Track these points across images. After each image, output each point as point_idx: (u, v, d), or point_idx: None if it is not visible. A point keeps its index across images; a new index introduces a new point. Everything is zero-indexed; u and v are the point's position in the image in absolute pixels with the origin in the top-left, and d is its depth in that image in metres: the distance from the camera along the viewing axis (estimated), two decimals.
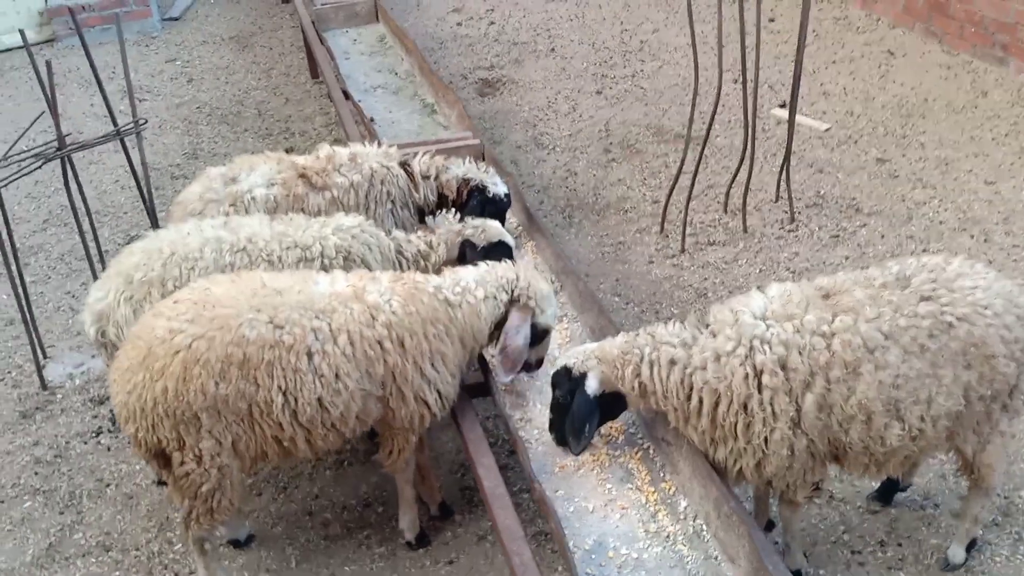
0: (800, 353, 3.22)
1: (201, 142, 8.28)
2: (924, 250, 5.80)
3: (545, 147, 7.68)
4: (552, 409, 3.69)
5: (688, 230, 6.15)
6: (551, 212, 6.66)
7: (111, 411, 5.06)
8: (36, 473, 4.70)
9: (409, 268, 4.26)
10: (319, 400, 3.45)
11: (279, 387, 3.39)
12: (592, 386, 3.54)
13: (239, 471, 3.54)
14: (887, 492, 4.09)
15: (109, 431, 4.94)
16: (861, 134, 7.37)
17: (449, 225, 4.50)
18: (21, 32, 4.93)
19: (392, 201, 4.93)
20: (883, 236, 6.02)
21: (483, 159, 5.95)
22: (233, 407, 3.38)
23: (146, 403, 3.32)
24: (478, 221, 4.45)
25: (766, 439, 3.27)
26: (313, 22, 8.55)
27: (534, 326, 3.83)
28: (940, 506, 4.07)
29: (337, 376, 3.46)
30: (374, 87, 7.59)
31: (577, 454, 3.64)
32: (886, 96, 7.95)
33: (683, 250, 6.04)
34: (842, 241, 6.03)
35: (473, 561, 4.03)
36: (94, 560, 4.19)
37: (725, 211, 6.42)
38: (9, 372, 5.45)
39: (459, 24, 10.72)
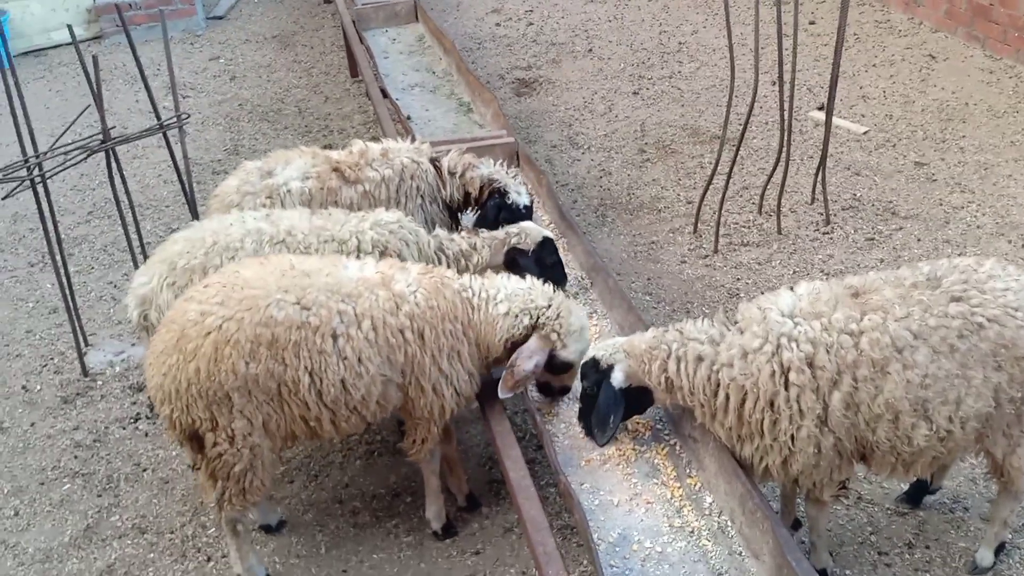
0: (828, 351, 3.22)
1: (242, 139, 8.42)
2: (960, 254, 5.74)
3: (580, 147, 7.71)
4: (580, 399, 3.73)
5: (722, 231, 6.14)
6: (584, 211, 6.68)
7: (149, 398, 5.18)
8: (76, 457, 4.83)
9: (450, 266, 4.31)
10: (342, 381, 3.53)
11: (306, 367, 3.48)
12: (618, 378, 3.56)
13: (270, 451, 3.63)
14: (916, 494, 4.06)
15: (147, 417, 5.06)
16: (899, 138, 7.30)
17: (494, 233, 4.50)
18: (69, 28, 5.07)
19: (421, 196, 4.99)
20: (919, 240, 5.96)
21: (517, 157, 6.00)
22: (263, 386, 3.47)
23: (180, 384, 3.43)
24: (516, 227, 4.45)
25: (792, 436, 3.28)
26: (354, 21, 8.66)
27: (553, 357, 3.80)
28: (969, 509, 4.03)
29: (360, 360, 3.53)
30: (412, 86, 7.68)
31: (602, 445, 3.67)
32: (926, 100, 7.86)
33: (716, 250, 6.03)
34: (877, 244, 5.98)
35: (499, 552, 4.07)
36: (130, 542, 4.30)
37: (760, 212, 6.40)
38: (52, 359, 5.60)
39: (498, 24, 10.79)
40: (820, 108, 7.74)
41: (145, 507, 4.48)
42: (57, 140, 5.16)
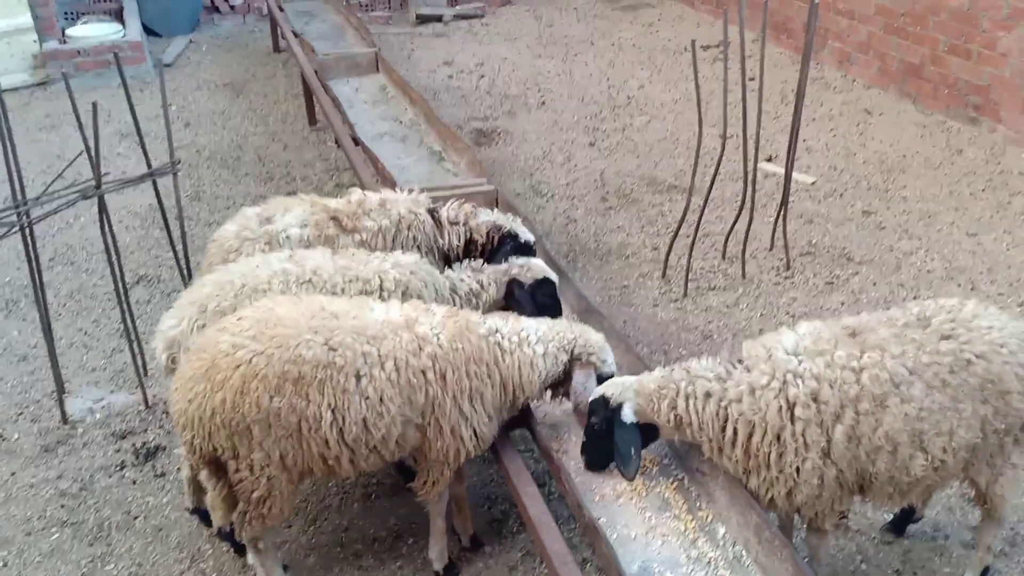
0: (831, 386, 3.45)
1: (203, 185, 8.40)
2: (915, 297, 6.13)
3: (544, 195, 7.95)
4: (585, 433, 3.87)
5: (690, 275, 6.41)
6: (555, 257, 6.86)
7: (134, 445, 5.12)
8: (62, 506, 4.72)
9: (462, 306, 4.44)
10: (364, 421, 3.62)
11: (328, 405, 3.56)
12: (628, 415, 3.72)
13: (287, 483, 3.70)
14: (900, 523, 4.31)
15: (133, 465, 4.99)
16: (846, 187, 7.75)
17: (495, 268, 4.65)
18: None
19: (418, 246, 5.08)
20: (875, 284, 6.34)
21: (497, 204, 6.18)
22: (284, 421, 3.55)
23: (204, 412, 3.50)
24: (522, 260, 4.64)
25: (798, 469, 3.48)
26: (316, 71, 8.77)
27: (599, 377, 3.98)
28: (950, 536, 4.29)
29: (381, 400, 3.63)
30: (381, 134, 7.81)
31: (630, 479, 3.79)
32: (866, 152, 8.37)
33: (686, 294, 6.30)
34: (836, 288, 6.33)
35: None
36: None
37: (724, 258, 6.71)
38: (27, 407, 5.47)
39: (450, 76, 11.04)
40: (768, 159, 8.18)
41: (140, 555, 4.42)
42: (49, 186, 5.12)
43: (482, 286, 4.55)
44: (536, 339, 3.93)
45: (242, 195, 8.15)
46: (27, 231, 5.04)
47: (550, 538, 3.51)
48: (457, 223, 5.13)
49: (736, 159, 7.42)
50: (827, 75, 10.23)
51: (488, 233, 5.08)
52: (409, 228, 5.03)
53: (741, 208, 6.45)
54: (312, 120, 9.65)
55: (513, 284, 4.54)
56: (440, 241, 5.15)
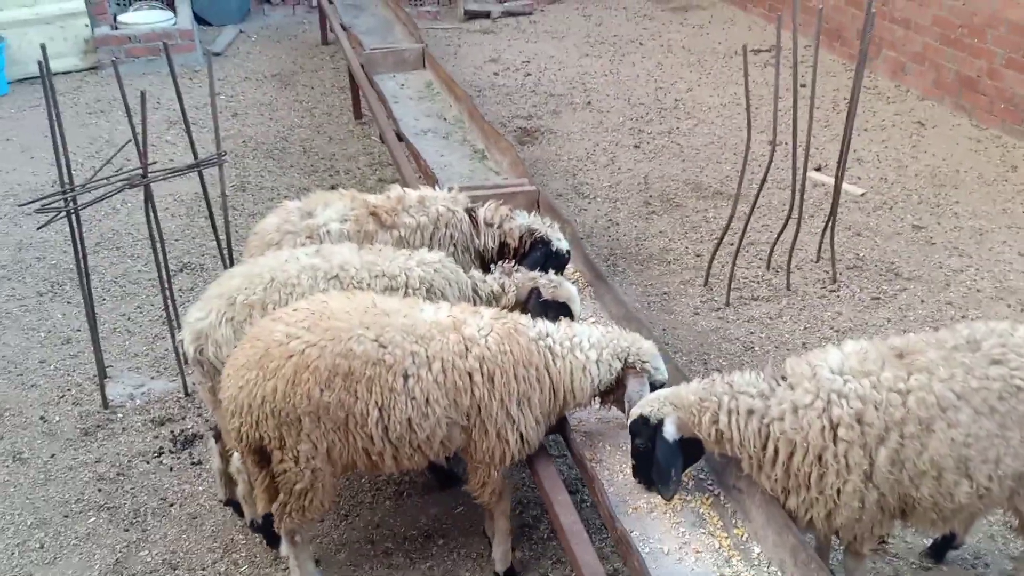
0: (876, 408, 3.37)
1: (248, 175, 8.47)
2: (963, 317, 5.98)
3: (586, 196, 7.89)
4: (633, 456, 3.81)
5: (732, 284, 6.32)
6: (595, 260, 6.82)
7: (172, 433, 5.17)
8: (99, 490, 4.79)
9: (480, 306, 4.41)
10: (409, 420, 3.63)
11: (376, 402, 3.59)
12: (670, 431, 3.66)
13: (330, 476, 3.73)
14: (940, 549, 4.20)
15: (171, 452, 5.04)
16: (896, 200, 7.59)
17: (524, 274, 4.60)
18: (40, 64, 4.82)
19: (454, 244, 5.08)
20: (923, 301, 6.20)
21: (538, 205, 6.14)
22: (332, 415, 3.58)
23: (255, 400, 3.54)
24: (555, 278, 4.55)
25: (839, 491, 3.40)
26: (362, 65, 8.80)
27: (651, 385, 3.95)
28: (990, 565, 4.18)
29: (427, 401, 3.64)
30: (424, 131, 7.81)
31: (668, 499, 3.74)
32: (918, 165, 8.19)
33: (728, 304, 6.21)
34: (883, 303, 6.20)
35: None
36: None
37: (768, 268, 6.61)
38: (69, 390, 5.55)
39: (496, 74, 11.01)
40: (817, 168, 8.03)
41: (174, 542, 4.46)
42: (96, 173, 5.18)
43: (504, 289, 4.50)
44: (589, 345, 3.90)
45: (286, 186, 8.21)
46: (74, 216, 5.11)
47: (581, 548, 3.48)
48: (492, 225, 5.11)
49: (783, 167, 7.31)
50: (880, 85, 10.03)
51: (521, 237, 5.05)
52: (447, 226, 5.02)
53: (788, 217, 6.35)
54: (357, 114, 9.68)
55: (533, 293, 4.46)
56: (476, 241, 5.14)
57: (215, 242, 5.79)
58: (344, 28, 10.00)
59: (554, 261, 5.07)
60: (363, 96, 8.82)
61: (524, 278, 4.55)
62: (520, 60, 11.39)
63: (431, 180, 6.20)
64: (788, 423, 3.44)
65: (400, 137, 7.24)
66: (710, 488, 3.93)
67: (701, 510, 3.82)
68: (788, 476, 3.48)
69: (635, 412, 3.76)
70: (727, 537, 3.67)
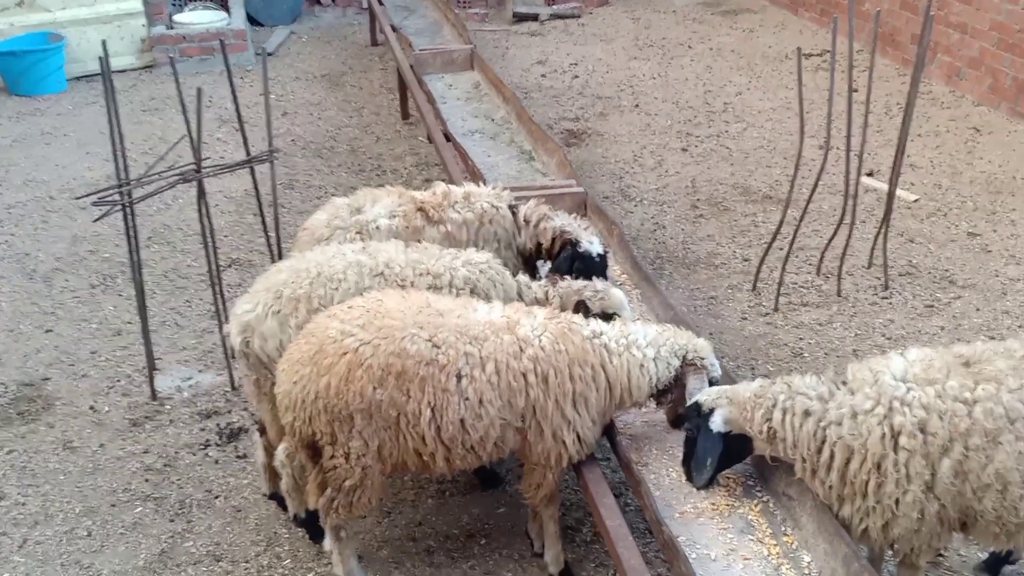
0: (940, 418, 3.27)
1: (296, 174, 8.53)
2: (1020, 327, 5.82)
3: (632, 199, 7.83)
4: (685, 443, 3.78)
5: (781, 289, 6.21)
6: (642, 263, 6.75)
7: (218, 426, 5.21)
8: (147, 480, 4.84)
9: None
10: (462, 421, 3.61)
11: (428, 402, 3.57)
12: (717, 422, 3.63)
13: (380, 474, 3.73)
14: (995, 564, 4.08)
15: (217, 444, 5.08)
16: (950, 207, 7.42)
17: (571, 283, 4.51)
18: (101, 60, 4.89)
19: (498, 241, 5.07)
20: (978, 309, 6.04)
21: (585, 207, 6.10)
22: (385, 414, 3.58)
23: (308, 395, 3.55)
24: (602, 286, 4.46)
25: (897, 501, 3.31)
26: (412, 66, 8.83)
27: (709, 382, 3.91)
28: None
29: (480, 402, 3.61)
30: (471, 132, 7.80)
31: (699, 487, 3.72)
32: (973, 171, 8.00)
33: (776, 309, 6.11)
34: (936, 311, 6.05)
35: None
36: (204, 569, 4.30)
37: (818, 273, 6.49)
38: (118, 381, 5.63)
39: (543, 76, 10.98)
40: (869, 174, 7.88)
41: (219, 534, 4.49)
42: (151, 168, 5.25)
43: (547, 297, 4.42)
44: (646, 343, 3.86)
45: (334, 185, 8.26)
46: (128, 210, 5.17)
47: (627, 553, 3.43)
48: (529, 223, 5.08)
49: (834, 171, 7.19)
50: (935, 90, 9.81)
51: (554, 238, 5.00)
52: (491, 222, 5.01)
53: (840, 222, 6.23)
54: (405, 114, 9.72)
55: (580, 307, 4.37)
56: (518, 239, 5.11)
57: (264, 238, 5.84)
58: (394, 29, 10.05)
59: (583, 264, 4.95)
60: (411, 96, 8.86)
61: (570, 288, 4.46)
62: (568, 62, 11.34)
63: (479, 180, 6.19)
64: (846, 428, 3.36)
65: (448, 137, 7.24)
66: (759, 494, 3.85)
67: (749, 516, 3.74)
68: (844, 483, 3.40)
69: (693, 399, 3.73)
70: (776, 545, 3.59)
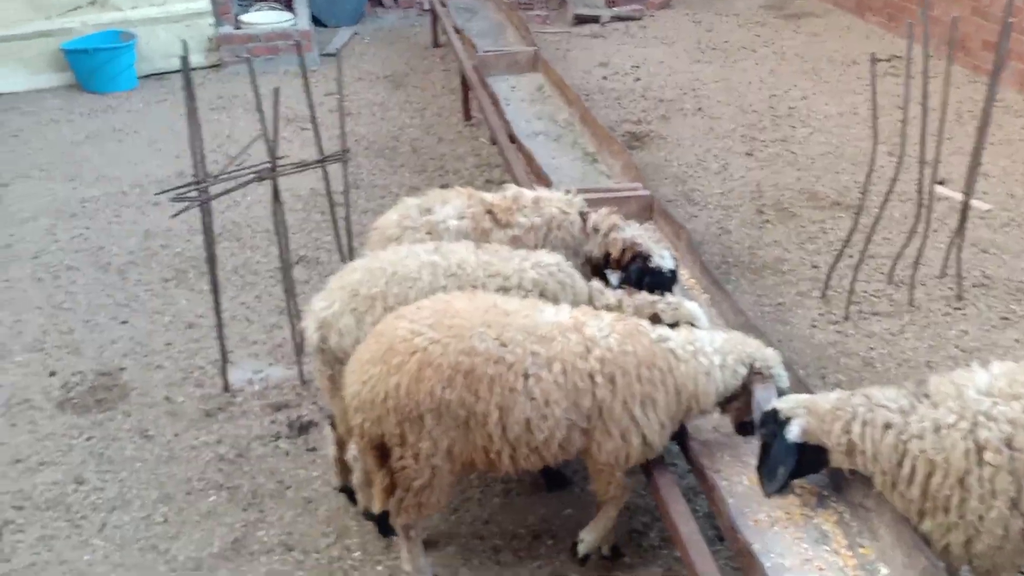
0: None
1: (360, 173, 8.63)
2: None
3: (696, 203, 7.78)
4: (760, 449, 3.76)
5: (852, 298, 6.13)
6: (709, 267, 6.70)
7: (288, 418, 5.31)
8: (220, 470, 4.95)
9: None
10: (527, 421, 3.62)
11: (496, 402, 3.59)
12: (794, 432, 3.59)
13: (449, 473, 3.75)
14: None
15: (287, 437, 5.17)
16: None
17: (645, 296, 4.46)
18: (183, 59, 5.05)
19: (566, 247, 5.05)
20: None
21: (651, 211, 6.08)
22: (453, 413, 3.60)
23: (378, 395, 3.58)
24: (674, 299, 4.41)
25: (981, 517, 3.25)
26: (475, 67, 8.88)
27: (777, 392, 3.88)
28: None
29: (547, 402, 3.62)
30: (535, 133, 7.83)
31: (768, 495, 3.69)
32: None
33: (847, 317, 6.02)
34: (1012, 324, 5.92)
35: None
36: (277, 558, 4.38)
37: (890, 282, 6.38)
38: (192, 372, 5.76)
39: (605, 78, 10.97)
40: (940, 182, 7.72)
41: (290, 525, 4.57)
42: (228, 166, 5.37)
43: (620, 306, 4.37)
44: (712, 349, 3.84)
45: (397, 185, 8.35)
46: (205, 207, 5.30)
47: (701, 560, 3.42)
48: (598, 231, 5.04)
49: (904, 179, 7.06)
50: (1008, 97, 9.58)
51: (623, 250, 4.96)
52: (559, 228, 5.00)
53: (912, 231, 6.13)
54: (467, 115, 9.78)
55: (654, 320, 4.27)
56: (586, 246, 5.10)
57: (330, 237, 5.92)
58: (457, 31, 10.13)
59: (651, 279, 4.88)
60: (474, 97, 8.92)
61: (644, 300, 4.41)
62: (629, 65, 11.31)
63: (544, 182, 6.20)
64: (928, 442, 3.31)
65: (512, 139, 7.28)
66: (834, 505, 3.81)
67: (825, 527, 3.70)
68: (925, 498, 3.35)
69: (770, 406, 3.69)
70: (852, 556, 3.54)
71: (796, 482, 3.84)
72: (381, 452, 3.77)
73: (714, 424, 4.23)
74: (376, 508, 4.01)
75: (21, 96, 10.65)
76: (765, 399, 3.81)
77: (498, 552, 4.40)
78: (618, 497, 3.99)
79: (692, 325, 4.27)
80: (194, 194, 5.19)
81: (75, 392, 5.58)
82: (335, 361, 4.14)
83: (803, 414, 3.60)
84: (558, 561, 4.32)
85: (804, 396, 3.72)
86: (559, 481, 4.77)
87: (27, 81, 10.89)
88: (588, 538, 4.16)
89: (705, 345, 3.85)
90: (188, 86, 5.04)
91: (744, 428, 4.02)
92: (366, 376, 3.63)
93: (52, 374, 5.75)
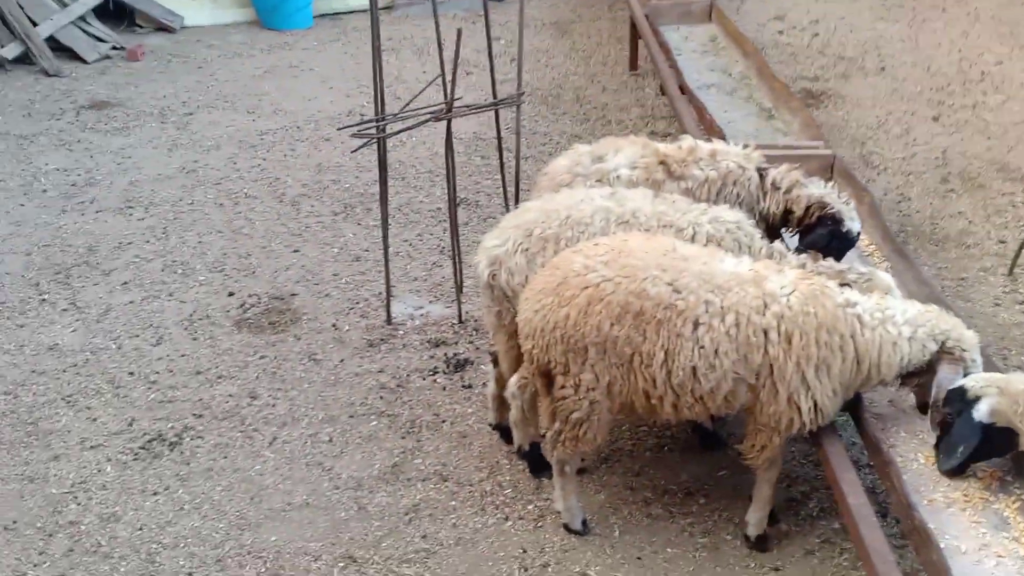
0: None
1: (523, 119, 8.56)
2: None
3: (875, 167, 7.38)
4: (940, 425, 3.58)
5: None
6: (892, 234, 6.37)
7: (446, 355, 5.44)
8: (381, 397, 5.13)
9: None
10: (694, 369, 3.57)
11: (663, 345, 3.57)
12: (982, 411, 3.40)
13: (607, 411, 3.79)
14: None
15: (444, 372, 5.30)
16: None
17: (832, 264, 4.25)
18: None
19: (740, 204, 4.87)
20: None
21: (831, 171, 5.80)
22: (619, 350, 3.62)
23: (547, 324, 3.67)
24: (866, 270, 4.19)
25: None
26: (647, 15, 8.67)
27: (964, 376, 3.65)
28: None
29: (716, 352, 3.55)
30: (707, 85, 7.59)
31: (943, 471, 3.52)
32: None
33: None
34: None
35: (800, 573, 3.98)
36: (432, 486, 4.53)
37: None
38: (358, 303, 5.98)
39: (780, 32, 10.50)
40: None
41: (445, 456, 4.71)
42: (405, 106, 5.48)
43: (804, 269, 4.13)
44: (903, 320, 3.64)
45: (559, 133, 8.31)
46: (382, 143, 5.43)
47: (870, 532, 3.29)
48: (779, 188, 4.83)
49: None
50: None
51: (809, 208, 4.72)
52: (735, 184, 4.83)
53: None
54: (633, 65, 9.59)
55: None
56: (762, 203, 4.91)
57: (490, 181, 5.96)
58: None
59: (838, 242, 4.68)
60: (644, 46, 8.72)
61: (831, 269, 4.16)
62: (807, 20, 10.77)
63: (717, 135, 6.01)
64: None
65: (683, 90, 7.08)
66: (1017, 492, 3.57)
67: (1005, 513, 3.49)
68: None
69: (958, 382, 3.50)
70: None
71: (977, 465, 3.62)
72: (548, 380, 3.85)
73: (890, 398, 4.03)
74: (539, 428, 4.09)
75: (207, 30, 11.22)
76: (948, 379, 3.58)
77: (648, 505, 4.38)
78: (770, 465, 3.87)
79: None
80: (373, 131, 5.32)
81: (251, 313, 5.91)
82: (503, 298, 4.19)
83: (994, 393, 3.38)
84: (711, 521, 4.27)
85: (996, 375, 3.49)
86: (714, 440, 4.68)
87: (212, 16, 11.46)
88: (753, 518, 4.07)
89: (896, 315, 3.65)
90: (375, 24, 5.16)
91: (927, 407, 3.79)
92: (538, 305, 3.71)
93: (231, 294, 6.11)
